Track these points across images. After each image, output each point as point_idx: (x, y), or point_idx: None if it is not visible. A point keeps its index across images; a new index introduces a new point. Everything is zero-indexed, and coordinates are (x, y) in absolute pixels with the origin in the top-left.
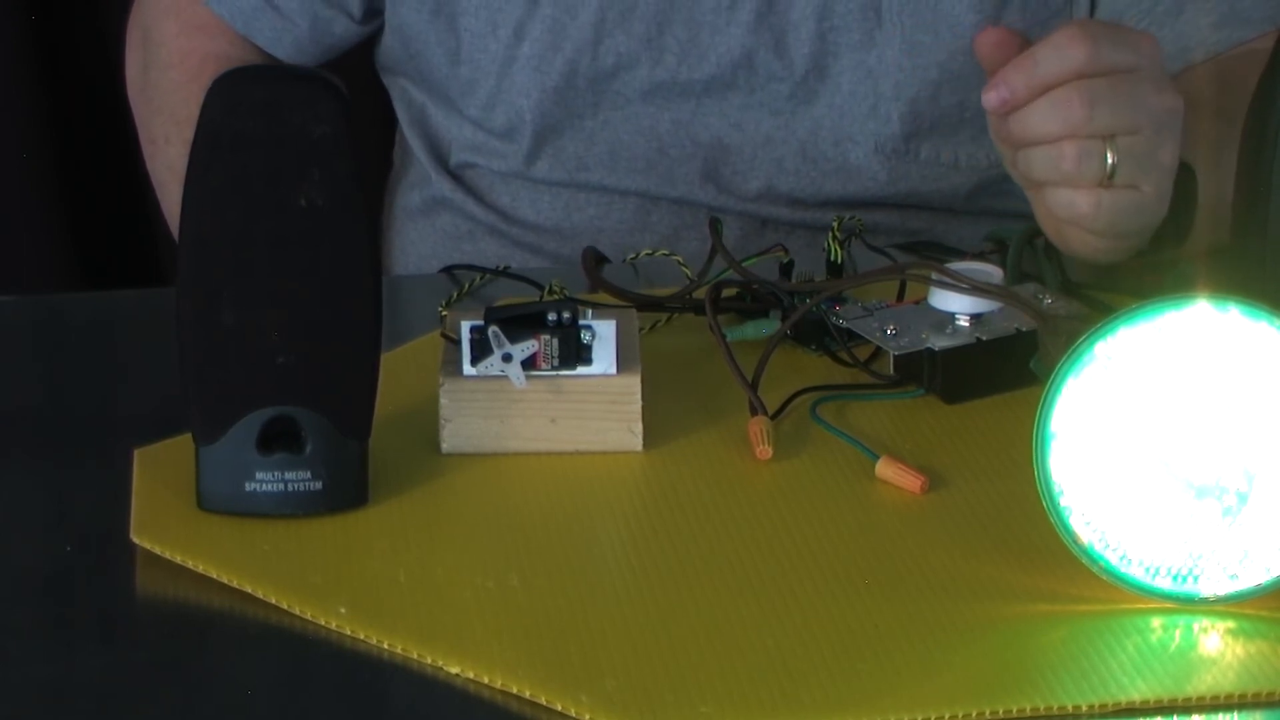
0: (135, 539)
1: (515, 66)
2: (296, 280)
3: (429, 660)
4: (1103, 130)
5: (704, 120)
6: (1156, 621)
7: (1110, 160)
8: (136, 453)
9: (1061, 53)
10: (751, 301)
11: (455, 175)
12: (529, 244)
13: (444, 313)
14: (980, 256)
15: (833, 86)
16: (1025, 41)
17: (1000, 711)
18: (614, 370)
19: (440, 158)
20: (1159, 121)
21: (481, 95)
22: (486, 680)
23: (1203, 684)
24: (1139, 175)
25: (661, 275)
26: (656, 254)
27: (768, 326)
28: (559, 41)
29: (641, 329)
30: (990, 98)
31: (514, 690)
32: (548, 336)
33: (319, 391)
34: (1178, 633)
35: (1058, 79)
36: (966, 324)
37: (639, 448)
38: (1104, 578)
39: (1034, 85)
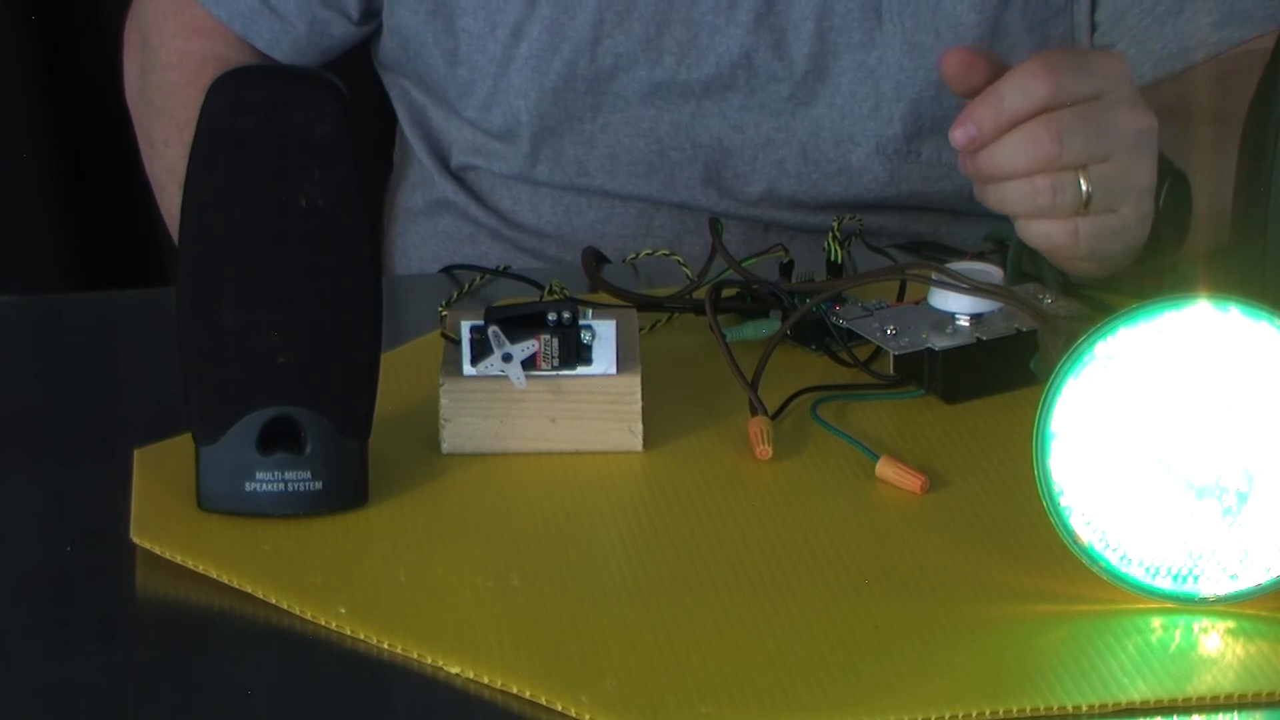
0: (135, 539)
1: (513, 67)
2: (296, 280)
3: (429, 660)
4: (1074, 161)
5: (704, 122)
6: (1156, 621)
7: (1084, 189)
8: (136, 453)
9: (1025, 87)
10: (751, 302)
11: (457, 177)
12: (530, 248)
13: (444, 313)
14: (980, 256)
15: (833, 87)
16: (995, 60)
17: (1000, 711)
18: (614, 370)
19: (442, 159)
20: (1131, 144)
21: (479, 96)
22: (486, 680)
23: (1203, 684)
24: (1115, 199)
25: (662, 276)
26: (657, 254)
27: (768, 327)
28: (557, 42)
29: (641, 329)
30: (957, 135)
31: (514, 690)
32: (548, 336)
33: (319, 391)
34: (1178, 633)
35: (1024, 114)
36: (966, 324)
37: (639, 448)
38: (1104, 578)
39: (1001, 122)
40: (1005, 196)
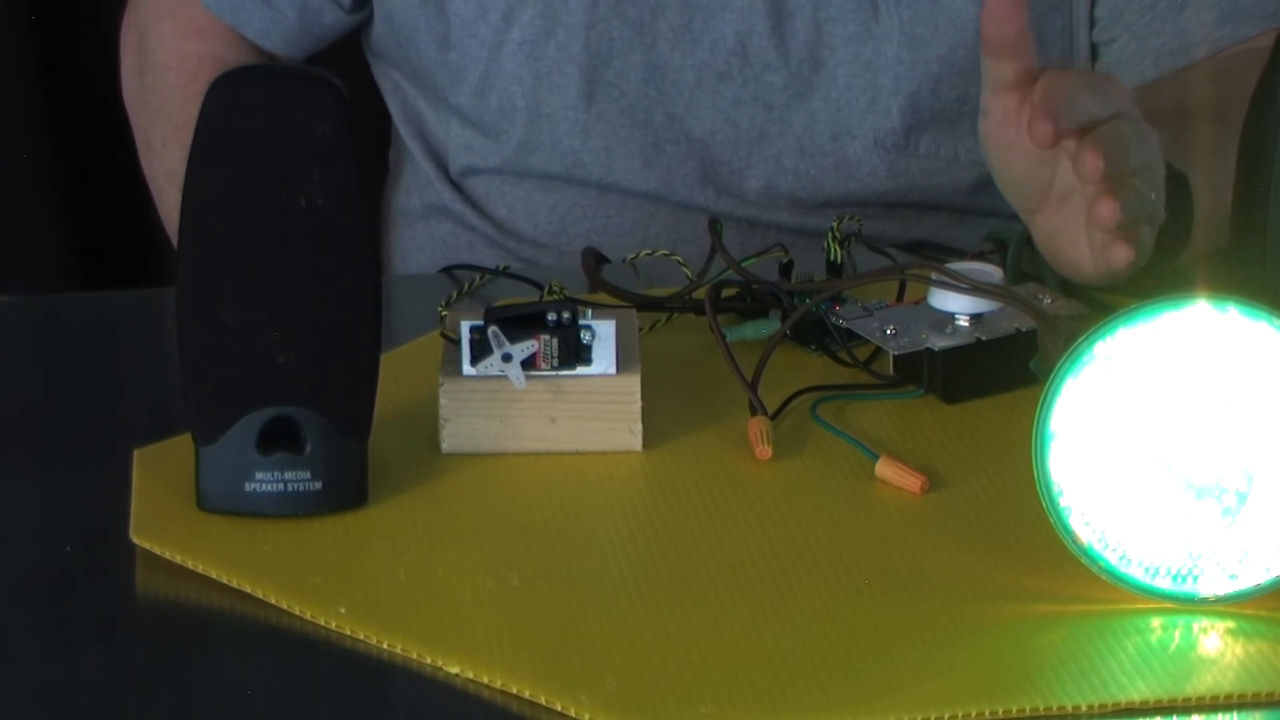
0: (135, 539)
1: (505, 52)
2: (296, 280)
3: (429, 660)
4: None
5: (697, 114)
6: (1156, 621)
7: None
8: (136, 453)
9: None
10: (751, 302)
11: (456, 184)
12: (527, 257)
13: (444, 313)
14: (980, 256)
15: (829, 79)
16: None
17: (1000, 711)
18: (614, 370)
19: (440, 163)
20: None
21: (471, 82)
22: (486, 680)
23: (1203, 684)
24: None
25: (662, 276)
26: (657, 254)
27: (767, 326)
28: (550, 26)
29: (641, 329)
30: (1040, 130)
31: (514, 690)
32: (548, 336)
33: (319, 391)
34: (1178, 633)
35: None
36: (966, 324)
37: (639, 448)
38: (1104, 578)
39: (1076, 124)
40: (1137, 196)
